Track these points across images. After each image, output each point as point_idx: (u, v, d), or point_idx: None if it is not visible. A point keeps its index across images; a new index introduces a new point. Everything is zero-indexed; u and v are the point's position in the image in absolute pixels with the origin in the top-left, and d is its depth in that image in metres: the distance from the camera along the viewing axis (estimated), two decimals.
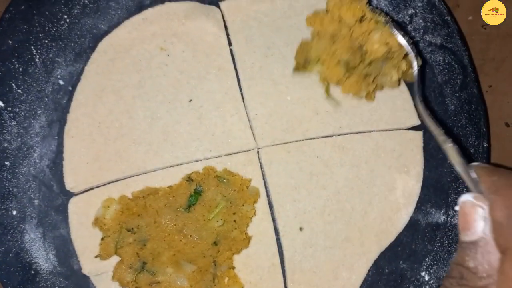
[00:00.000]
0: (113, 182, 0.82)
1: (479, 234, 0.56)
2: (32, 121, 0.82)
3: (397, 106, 0.86)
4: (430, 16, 0.87)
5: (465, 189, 0.83)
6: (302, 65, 0.82)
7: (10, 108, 0.82)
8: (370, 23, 0.76)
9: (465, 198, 0.59)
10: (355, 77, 0.79)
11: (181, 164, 0.83)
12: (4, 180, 0.80)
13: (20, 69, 0.82)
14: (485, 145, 0.85)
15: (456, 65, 0.87)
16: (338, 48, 0.77)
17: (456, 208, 0.61)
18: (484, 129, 0.86)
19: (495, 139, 0.91)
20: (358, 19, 0.76)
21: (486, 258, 0.56)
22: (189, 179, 0.80)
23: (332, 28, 0.78)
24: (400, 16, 0.88)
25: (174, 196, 0.79)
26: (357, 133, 0.86)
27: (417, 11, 0.88)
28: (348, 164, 0.84)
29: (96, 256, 0.79)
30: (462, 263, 0.57)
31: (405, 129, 0.87)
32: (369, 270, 0.83)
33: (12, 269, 0.78)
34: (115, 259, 0.78)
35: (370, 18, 0.76)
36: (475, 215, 0.57)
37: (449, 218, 0.83)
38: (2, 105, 0.81)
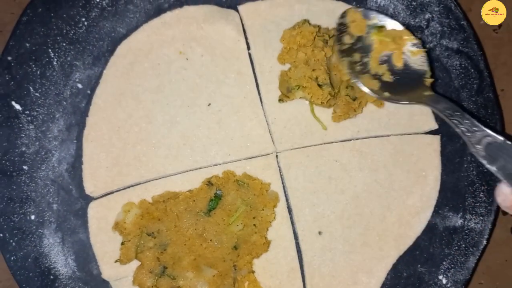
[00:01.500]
0: (132, 186, 0.82)
1: None
2: (50, 124, 0.82)
3: (415, 110, 0.86)
4: (447, 20, 0.88)
5: (481, 193, 0.84)
6: (285, 94, 0.84)
7: (28, 112, 0.81)
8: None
9: None
10: (342, 101, 0.82)
11: (200, 168, 0.83)
12: (22, 184, 0.80)
13: (38, 72, 0.82)
14: None
15: (472, 70, 0.87)
16: (319, 73, 0.80)
17: None
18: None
19: None
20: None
21: None
22: (209, 183, 0.80)
23: (302, 57, 0.81)
24: (417, 20, 0.88)
25: (194, 200, 0.79)
26: (375, 137, 0.86)
27: (434, 15, 0.88)
28: (366, 168, 0.85)
29: (116, 261, 0.78)
30: None
31: (422, 133, 0.87)
32: (387, 274, 0.83)
33: (31, 274, 0.77)
34: (135, 264, 0.78)
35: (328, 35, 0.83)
36: None
37: (466, 222, 0.84)
38: (20, 108, 0.81)
